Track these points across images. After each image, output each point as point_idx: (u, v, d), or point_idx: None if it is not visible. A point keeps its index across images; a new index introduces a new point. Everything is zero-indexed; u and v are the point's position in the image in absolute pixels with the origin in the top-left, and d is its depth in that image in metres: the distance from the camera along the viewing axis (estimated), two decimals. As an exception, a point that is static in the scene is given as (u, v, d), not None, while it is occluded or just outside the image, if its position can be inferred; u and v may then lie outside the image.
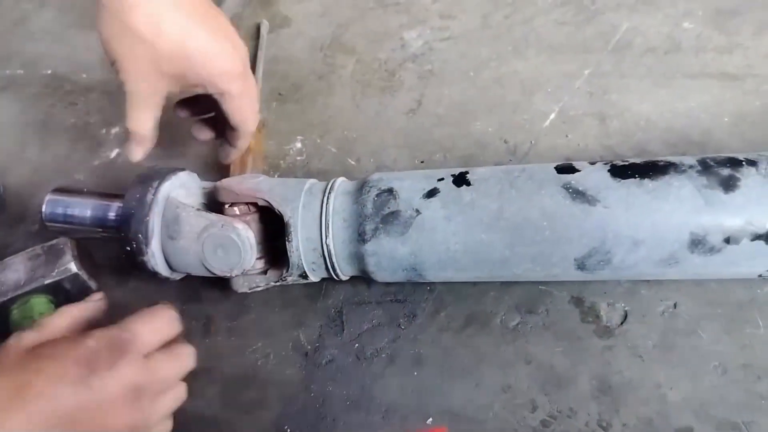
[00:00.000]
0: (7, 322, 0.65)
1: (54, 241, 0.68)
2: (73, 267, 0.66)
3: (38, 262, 0.67)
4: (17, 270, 0.66)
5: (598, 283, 0.62)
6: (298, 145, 0.80)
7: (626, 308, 0.61)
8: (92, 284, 0.68)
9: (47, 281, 0.65)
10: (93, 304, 0.56)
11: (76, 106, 0.91)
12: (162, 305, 0.55)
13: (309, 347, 0.65)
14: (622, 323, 0.61)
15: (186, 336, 0.67)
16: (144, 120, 0.62)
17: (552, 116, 0.75)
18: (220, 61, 0.60)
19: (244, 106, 0.64)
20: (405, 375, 0.62)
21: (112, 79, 0.91)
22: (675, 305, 0.60)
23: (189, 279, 0.70)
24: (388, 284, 0.67)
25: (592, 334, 0.61)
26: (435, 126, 0.77)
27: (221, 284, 0.69)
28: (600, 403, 0.57)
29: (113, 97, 0.91)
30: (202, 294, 0.70)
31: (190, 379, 0.63)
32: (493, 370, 0.61)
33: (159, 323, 0.53)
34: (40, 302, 0.65)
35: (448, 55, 0.83)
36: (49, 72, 0.96)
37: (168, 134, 0.84)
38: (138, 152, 0.64)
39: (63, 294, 0.66)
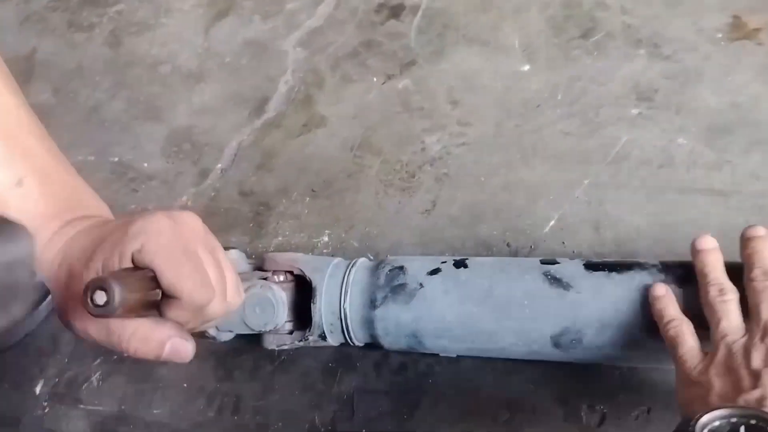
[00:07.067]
0: None
1: None
2: None
3: None
4: None
5: (581, 386, 0.70)
6: (326, 238, 0.90)
7: (605, 410, 0.68)
8: None
9: None
10: None
11: (137, 193, 1.04)
12: None
13: (323, 430, 0.74)
14: (600, 424, 0.67)
15: (218, 412, 0.77)
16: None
17: (552, 223, 0.83)
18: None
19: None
20: (406, 460, 0.70)
21: (170, 168, 1.05)
22: (648, 410, 0.67)
23: (222, 360, 0.80)
24: (395, 374, 0.75)
25: (574, 432, 0.68)
26: (447, 227, 0.86)
27: (251, 366, 0.80)
28: (576, 498, 0.64)
29: (170, 185, 1.04)
30: (234, 374, 0.80)
31: (219, 453, 0.73)
32: (484, 460, 0.68)
33: None
34: None
35: (463, 160, 0.92)
36: (116, 159, 1.10)
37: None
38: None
39: None
